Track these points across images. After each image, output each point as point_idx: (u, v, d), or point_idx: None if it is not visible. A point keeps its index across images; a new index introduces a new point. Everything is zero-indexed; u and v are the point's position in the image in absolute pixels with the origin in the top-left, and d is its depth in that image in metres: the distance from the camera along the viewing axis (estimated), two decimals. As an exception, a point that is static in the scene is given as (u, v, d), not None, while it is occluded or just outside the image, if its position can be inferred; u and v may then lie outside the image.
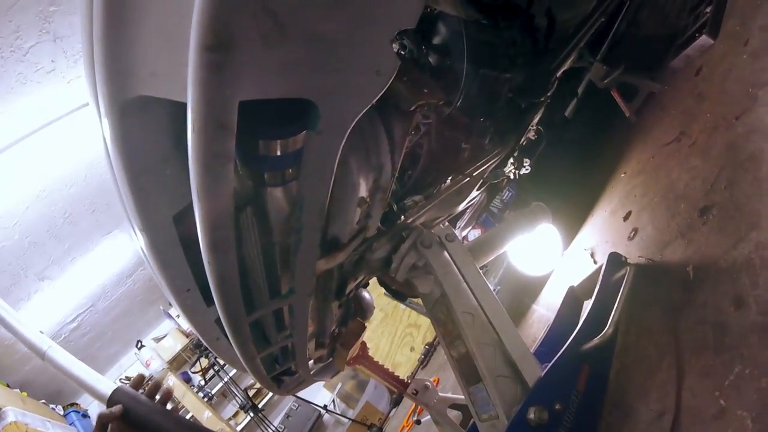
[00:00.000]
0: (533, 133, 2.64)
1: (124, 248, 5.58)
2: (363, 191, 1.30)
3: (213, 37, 0.66)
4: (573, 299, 2.17)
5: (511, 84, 2.09)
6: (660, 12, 2.67)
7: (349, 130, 0.90)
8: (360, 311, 2.07)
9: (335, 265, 1.42)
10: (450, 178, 1.97)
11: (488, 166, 2.28)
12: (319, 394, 6.95)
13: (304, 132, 0.89)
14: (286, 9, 0.70)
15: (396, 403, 5.24)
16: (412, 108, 1.34)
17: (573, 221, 2.91)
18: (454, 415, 2.51)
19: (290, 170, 0.97)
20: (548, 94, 2.31)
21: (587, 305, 1.89)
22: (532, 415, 1.46)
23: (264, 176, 0.98)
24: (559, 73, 2.28)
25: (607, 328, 1.64)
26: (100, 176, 4.32)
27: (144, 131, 0.94)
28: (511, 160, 2.59)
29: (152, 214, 1.06)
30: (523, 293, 3.12)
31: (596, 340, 1.62)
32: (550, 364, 1.59)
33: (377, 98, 0.89)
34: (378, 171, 1.33)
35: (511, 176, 2.72)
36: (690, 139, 1.97)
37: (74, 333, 6.22)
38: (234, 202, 0.86)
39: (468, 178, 2.06)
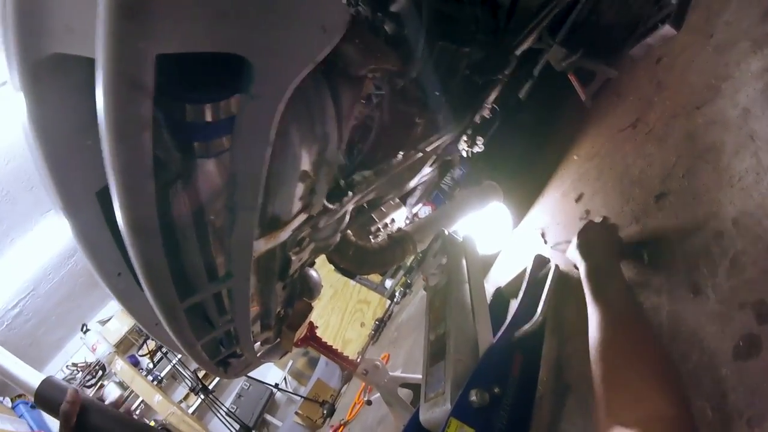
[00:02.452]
0: (488, 112, 2.62)
1: (65, 227, 5.33)
2: (306, 164, 1.20)
3: None
4: (500, 299, 2.27)
5: (469, 60, 2.06)
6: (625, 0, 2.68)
7: (288, 94, 0.81)
8: (307, 291, 2.01)
9: (277, 245, 1.33)
10: (402, 153, 1.93)
11: (442, 143, 2.26)
12: (270, 372, 6.95)
13: (237, 96, 0.79)
14: None
15: (347, 379, 5.24)
16: (363, 73, 1.26)
17: (524, 201, 2.91)
18: (404, 393, 2.51)
19: (223, 140, 0.87)
20: (506, 73, 2.29)
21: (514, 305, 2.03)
22: (474, 397, 1.54)
23: (194, 147, 0.87)
24: (518, 52, 2.26)
25: (538, 317, 1.76)
26: (39, 150, 4.11)
27: (60, 96, 0.83)
28: (464, 137, 2.58)
29: (73, 191, 0.96)
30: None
31: (527, 327, 1.73)
32: (486, 351, 1.71)
33: (321, 58, 0.80)
34: (323, 142, 1.22)
35: (464, 154, 2.72)
36: (647, 126, 1.98)
37: (17, 319, 6.01)
38: (158, 176, 0.75)
39: (420, 154, 2.03)
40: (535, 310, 1.80)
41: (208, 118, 0.80)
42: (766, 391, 1.02)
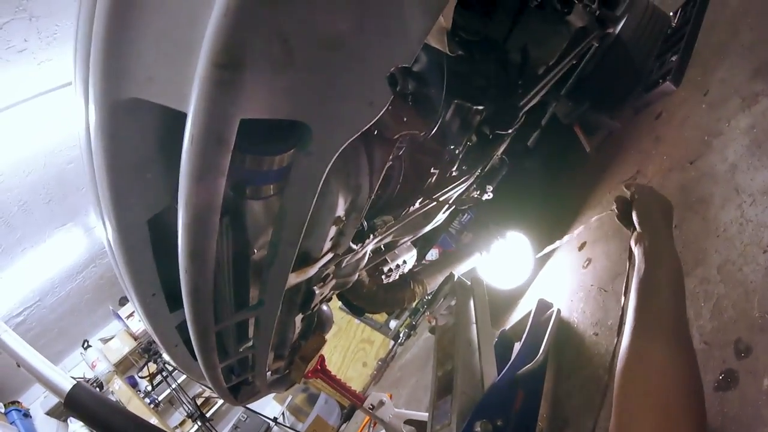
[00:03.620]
0: (497, 161, 2.75)
1: (77, 243, 5.46)
2: (340, 210, 1.33)
3: (225, 56, 0.69)
4: (505, 340, 2.42)
5: (481, 115, 2.18)
6: (628, 56, 2.84)
7: (337, 154, 0.94)
8: (319, 324, 2.12)
9: (304, 279, 1.45)
10: (419, 201, 2.06)
11: (455, 192, 2.39)
12: (268, 406, 6.88)
13: (293, 150, 0.92)
14: (297, 36, 0.74)
15: (347, 417, 5.26)
16: (395, 137, 1.42)
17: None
18: (409, 430, 2.60)
19: (272, 186, 1.00)
20: (516, 127, 2.43)
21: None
22: (478, 428, 1.67)
23: (246, 189, 1.00)
24: (527, 108, 2.40)
25: (539, 356, 1.90)
26: (59, 165, 4.22)
27: (131, 132, 0.93)
28: (474, 185, 2.71)
29: (127, 215, 1.05)
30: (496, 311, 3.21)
31: (529, 366, 1.87)
32: (490, 386, 1.84)
33: (367, 127, 0.93)
34: (356, 192, 1.37)
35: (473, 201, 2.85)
36: (645, 178, 2.13)
37: (19, 328, 5.96)
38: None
39: (435, 202, 2.16)
40: (537, 351, 1.93)
41: (265, 167, 0.94)
42: (743, 419, 1.15)
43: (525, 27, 2.22)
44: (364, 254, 1.85)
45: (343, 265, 1.70)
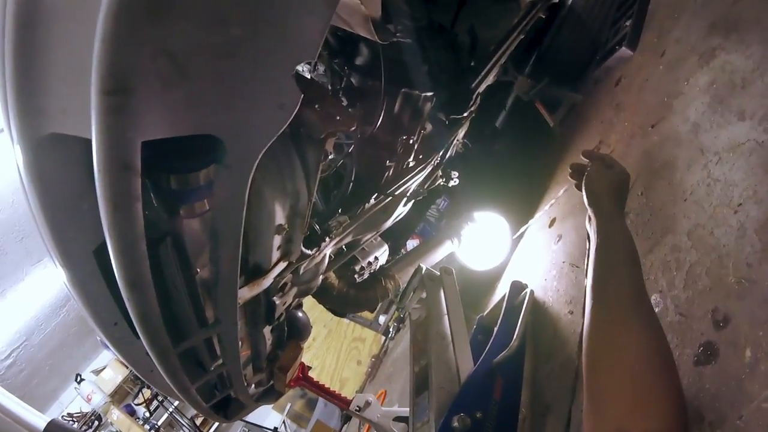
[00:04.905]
0: (460, 146, 2.66)
1: (55, 277, 5.29)
2: (280, 218, 1.30)
3: (111, 82, 0.66)
4: (484, 327, 2.28)
5: (434, 101, 2.10)
6: (582, 26, 2.74)
7: (256, 163, 0.90)
8: (296, 332, 2.02)
9: (260, 292, 1.42)
10: (374, 196, 1.97)
11: (413, 183, 2.29)
12: (269, 416, 6.80)
13: (212, 165, 0.88)
14: (185, 50, 0.71)
15: (347, 419, 5.16)
16: (323, 136, 1.34)
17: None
18: (400, 427, 2.50)
19: (205, 202, 0.96)
20: (472, 110, 2.34)
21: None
22: (456, 423, 1.57)
23: (180, 209, 0.97)
24: (481, 89, 2.30)
25: (514, 341, 1.80)
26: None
27: (58, 167, 0.92)
28: (439, 173, 2.62)
29: (71, 249, 1.03)
30: (475, 295, 3.10)
31: (505, 352, 1.77)
32: (467, 378, 1.75)
33: (281, 131, 0.89)
34: (294, 197, 1.33)
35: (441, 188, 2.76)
36: (609, 148, 2.02)
37: (10, 370, 5.82)
38: (147, 238, 0.85)
39: (391, 197, 2.07)
40: (513, 336, 1.82)
41: (190, 185, 0.90)
42: (726, 395, 1.04)
43: (473, 7, 2.13)
44: (323, 258, 1.77)
45: (302, 271, 1.63)
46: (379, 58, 1.77)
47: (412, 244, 4.69)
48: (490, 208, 3.00)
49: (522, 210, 2.88)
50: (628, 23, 2.37)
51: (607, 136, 2.11)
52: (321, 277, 1.87)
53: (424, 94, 1.95)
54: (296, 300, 1.85)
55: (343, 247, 2.07)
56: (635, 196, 1.64)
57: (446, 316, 1.99)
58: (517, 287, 2.19)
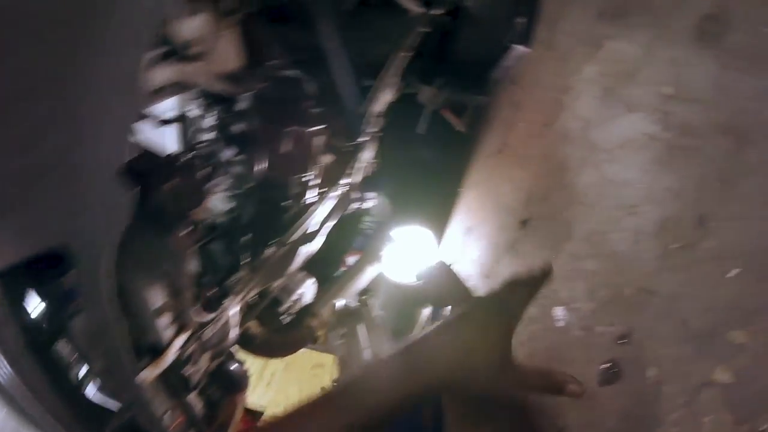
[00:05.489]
0: (373, 167, 2.56)
1: None
2: (161, 299, 1.28)
3: None
4: None
5: (329, 132, 1.99)
6: (478, 28, 2.64)
7: (106, 264, 0.90)
8: (232, 386, 1.93)
9: (167, 367, 1.37)
10: (272, 245, 1.86)
11: (314, 219, 2.16)
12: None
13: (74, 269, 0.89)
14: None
15: None
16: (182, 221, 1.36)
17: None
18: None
19: (80, 301, 0.99)
20: (372, 132, 2.23)
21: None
22: None
23: (59, 313, 1.00)
24: (377, 110, 2.19)
25: None
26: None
27: None
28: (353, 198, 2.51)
29: None
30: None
31: None
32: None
33: (125, 229, 0.88)
34: (168, 276, 1.32)
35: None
36: (511, 149, 1.92)
37: None
38: (41, 337, 0.94)
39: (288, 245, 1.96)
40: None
41: (56, 294, 0.96)
42: (632, 418, 0.92)
43: (359, 28, 2.03)
44: (230, 317, 1.70)
45: (207, 337, 1.58)
46: (262, 100, 1.68)
47: (352, 259, 4.58)
48: (417, 220, 2.87)
49: (446, 219, 2.76)
50: (521, 19, 2.28)
51: (508, 137, 2.00)
52: (234, 334, 1.77)
53: (312, 129, 1.84)
54: (213, 362, 1.78)
55: (248, 301, 1.96)
56: (536, 200, 1.53)
57: (365, 352, 1.87)
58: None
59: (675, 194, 0.92)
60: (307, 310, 2.26)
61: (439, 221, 2.87)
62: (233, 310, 1.68)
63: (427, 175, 3.22)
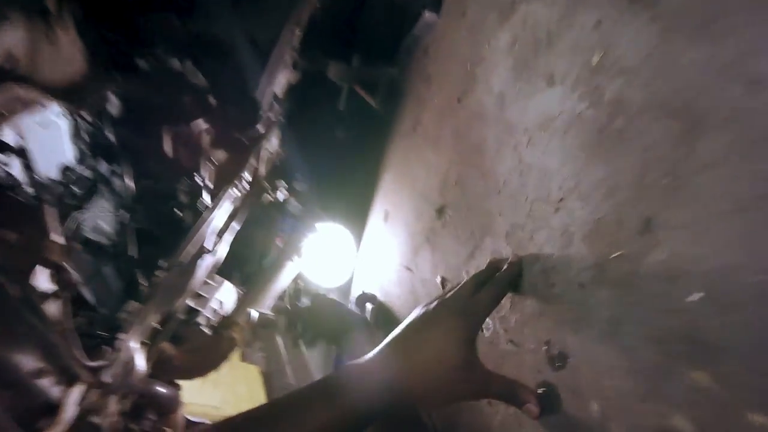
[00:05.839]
0: (281, 155, 2.37)
1: None
2: (36, 361, 1.21)
3: None
4: (340, 359, 1.98)
5: (217, 125, 1.83)
6: (384, -4, 2.43)
7: None
8: (164, 408, 1.84)
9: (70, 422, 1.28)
10: (160, 269, 1.74)
11: (214, 222, 1.94)
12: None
13: None
14: None
15: None
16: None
17: (359, 229, 2.58)
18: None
19: None
20: (271, 119, 2.02)
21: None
22: None
23: None
24: (270, 98, 1.98)
25: None
26: None
27: None
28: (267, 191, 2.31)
29: None
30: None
31: None
32: None
33: None
34: (37, 340, 1.23)
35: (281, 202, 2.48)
36: (424, 128, 1.73)
37: None
38: None
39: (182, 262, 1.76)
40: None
41: None
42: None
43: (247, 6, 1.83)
44: (130, 353, 1.57)
45: (108, 380, 1.45)
46: (131, 103, 1.56)
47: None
48: (334, 207, 2.65)
49: (366, 204, 2.56)
50: (432, -17, 2.07)
51: (420, 114, 1.80)
52: (142, 366, 1.62)
53: (193, 125, 1.64)
54: (126, 402, 1.63)
55: (159, 326, 1.77)
56: (451, 186, 1.35)
57: (288, 365, 1.68)
58: (362, 300, 1.91)
59: (609, 189, 0.74)
60: (225, 324, 2.04)
61: (360, 206, 2.67)
62: (132, 343, 1.55)
63: (346, 158, 3.00)
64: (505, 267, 0.94)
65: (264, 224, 2.69)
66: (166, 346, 1.86)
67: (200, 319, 1.99)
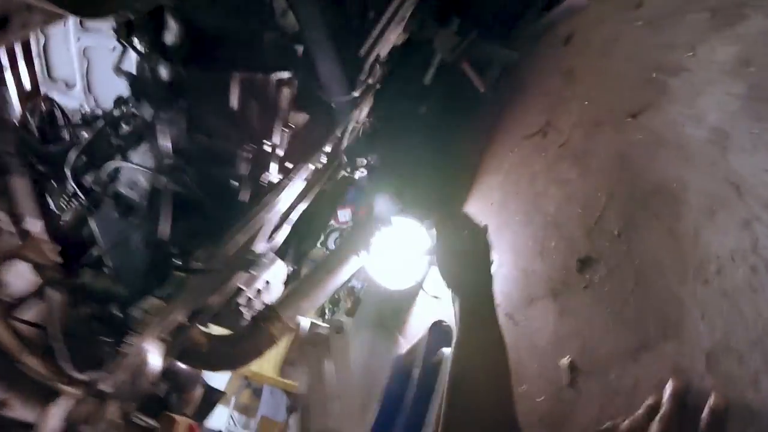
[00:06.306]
0: (367, 127, 2.07)
1: None
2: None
3: None
4: (399, 376, 1.77)
5: (300, 83, 1.59)
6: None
7: None
8: (183, 387, 1.76)
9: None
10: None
11: (279, 206, 1.69)
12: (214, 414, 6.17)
13: None
14: None
15: (292, 408, 4.60)
16: None
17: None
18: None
19: None
20: (369, 83, 1.76)
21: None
22: None
23: None
24: (373, 58, 1.72)
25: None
26: None
27: None
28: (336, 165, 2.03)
29: None
30: (387, 318, 2.42)
31: None
32: None
33: None
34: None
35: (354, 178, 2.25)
36: (560, 135, 1.35)
37: None
38: None
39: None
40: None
41: None
42: None
43: None
44: (141, 356, 1.36)
45: (120, 383, 1.29)
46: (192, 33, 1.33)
47: (342, 214, 4.08)
48: (409, 197, 2.30)
49: (445, 196, 2.23)
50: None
51: (555, 115, 1.43)
52: (157, 367, 1.42)
53: (274, 76, 1.34)
54: (130, 406, 1.45)
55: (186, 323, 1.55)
56: (609, 232, 0.98)
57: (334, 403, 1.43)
58: (438, 335, 1.58)
59: None
60: (266, 316, 1.75)
61: (438, 196, 2.35)
62: (146, 344, 1.34)
63: (426, 138, 2.64)
64: (705, 411, 0.59)
65: (329, 199, 2.40)
66: (195, 332, 1.62)
67: (241, 299, 1.72)
